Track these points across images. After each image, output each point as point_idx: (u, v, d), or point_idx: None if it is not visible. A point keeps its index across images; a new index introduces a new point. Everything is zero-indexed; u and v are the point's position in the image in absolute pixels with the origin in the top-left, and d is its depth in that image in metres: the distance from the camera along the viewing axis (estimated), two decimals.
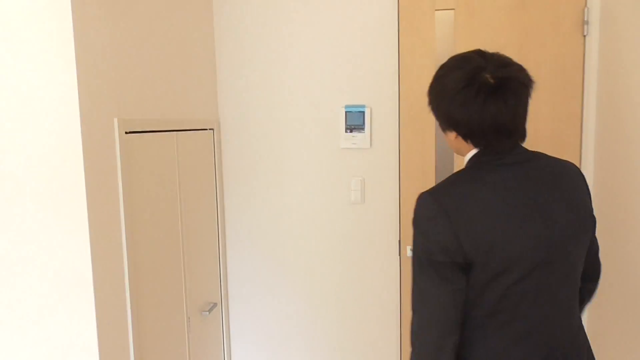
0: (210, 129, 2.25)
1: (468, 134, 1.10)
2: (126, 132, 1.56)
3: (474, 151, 1.13)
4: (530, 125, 2.08)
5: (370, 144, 2.23)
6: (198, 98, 2.14)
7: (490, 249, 1.03)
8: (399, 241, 2.27)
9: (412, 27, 2.15)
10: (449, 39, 2.15)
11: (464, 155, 1.17)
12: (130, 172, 1.59)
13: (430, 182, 2.21)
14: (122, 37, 1.57)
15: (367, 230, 2.29)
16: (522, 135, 1.12)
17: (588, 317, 2.06)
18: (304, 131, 2.29)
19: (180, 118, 1.95)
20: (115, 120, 1.51)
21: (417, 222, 1.09)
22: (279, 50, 2.27)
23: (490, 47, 2.14)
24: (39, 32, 1.34)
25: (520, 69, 1.09)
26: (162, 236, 1.80)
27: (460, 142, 1.14)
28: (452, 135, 1.14)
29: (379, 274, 2.30)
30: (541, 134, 2.08)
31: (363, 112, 2.21)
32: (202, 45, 2.19)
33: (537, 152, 1.17)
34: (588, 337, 1.24)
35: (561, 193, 1.10)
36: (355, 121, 2.22)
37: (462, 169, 1.15)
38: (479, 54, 1.11)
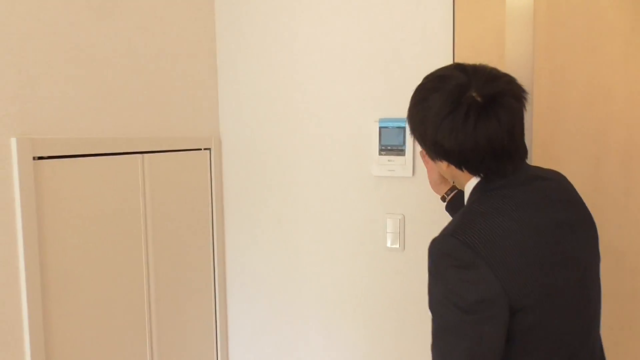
0: (205, 149, 1.76)
1: (462, 162, 1.00)
2: (36, 158, 1.08)
3: (474, 180, 1.03)
4: None
5: (413, 171, 1.64)
6: (186, 110, 1.65)
7: (535, 286, 0.92)
8: None
9: (473, 10, 1.55)
10: (526, 27, 1.53)
11: (462, 184, 1.08)
12: (44, 216, 1.11)
13: None
14: (33, 9, 1.10)
15: (407, 286, 1.69)
16: (524, 153, 1.01)
17: None
18: (325, 153, 1.74)
19: (152, 136, 1.47)
20: (14, 141, 1.03)
21: (441, 274, 0.94)
22: (297, 48, 1.75)
23: (587, 37, 1.53)
24: None
25: (510, 81, 0.97)
26: (111, 302, 1.31)
27: (455, 171, 1.04)
28: (443, 165, 1.04)
29: (422, 346, 1.69)
30: None
31: (403, 129, 1.63)
32: (198, 42, 1.71)
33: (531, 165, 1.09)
34: None
35: (576, 207, 1.05)
36: (392, 140, 1.64)
37: (472, 203, 1.02)
38: (459, 68, 0.99)
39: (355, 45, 1.68)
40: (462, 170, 1.02)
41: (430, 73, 1.04)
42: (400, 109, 1.65)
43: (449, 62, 1.58)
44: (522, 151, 1.01)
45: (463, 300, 0.91)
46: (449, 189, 1.53)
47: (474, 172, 1.01)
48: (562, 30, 1.48)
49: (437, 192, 1.51)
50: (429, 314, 1.66)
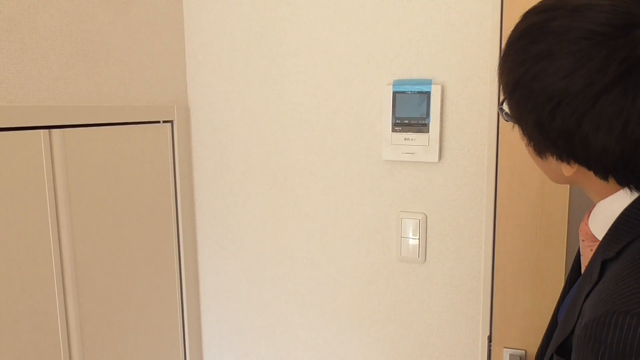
0: (165, 122, 1.34)
1: (622, 167, 0.56)
2: None
3: (620, 197, 0.61)
4: None
5: (440, 155, 1.19)
6: (135, 67, 1.23)
7: None
8: (489, 337, 1.21)
9: None
10: None
11: (592, 197, 0.66)
12: None
13: (559, 231, 1.12)
14: None
15: (428, 310, 1.26)
16: None
17: None
18: (320, 130, 1.29)
19: (72, 105, 1.06)
20: None
21: None
22: None
23: None
24: None
25: None
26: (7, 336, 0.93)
27: (588, 180, 0.62)
28: (566, 169, 0.62)
29: None
30: None
31: (427, 94, 1.17)
32: None
33: None
34: None
35: None
36: (411, 111, 1.18)
37: None
38: None
39: None
40: (607, 181, 0.61)
41: (551, 1, 0.58)
42: (422, 67, 1.18)
43: (496, 4, 1.10)
44: None
45: None
46: None
47: (628, 181, 0.60)
48: None
49: None
50: (456, 341, 1.23)
